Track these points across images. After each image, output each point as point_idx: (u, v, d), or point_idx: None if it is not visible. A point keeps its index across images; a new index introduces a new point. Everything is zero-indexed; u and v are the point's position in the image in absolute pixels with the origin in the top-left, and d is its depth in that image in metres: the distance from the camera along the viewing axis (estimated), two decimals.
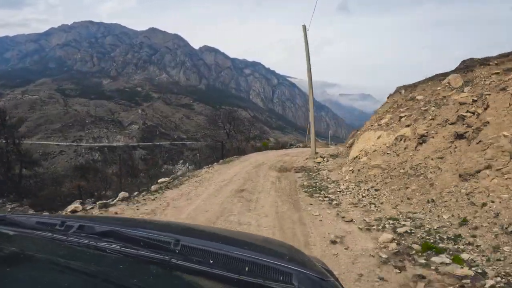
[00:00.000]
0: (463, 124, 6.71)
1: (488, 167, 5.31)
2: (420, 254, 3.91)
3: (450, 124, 7.07)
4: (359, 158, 9.07)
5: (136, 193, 8.06)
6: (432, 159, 6.75)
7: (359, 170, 8.48)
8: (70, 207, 6.68)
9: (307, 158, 12.67)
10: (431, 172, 6.43)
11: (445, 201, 5.43)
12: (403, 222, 5.08)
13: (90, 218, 1.75)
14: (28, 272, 0.75)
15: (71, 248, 0.95)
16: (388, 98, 11.94)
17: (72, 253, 0.92)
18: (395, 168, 7.40)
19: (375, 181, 7.54)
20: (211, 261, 0.87)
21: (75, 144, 76.75)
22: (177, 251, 0.92)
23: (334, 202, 6.63)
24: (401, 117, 8.96)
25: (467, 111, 6.83)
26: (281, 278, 0.81)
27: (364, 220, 5.40)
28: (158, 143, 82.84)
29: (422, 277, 3.33)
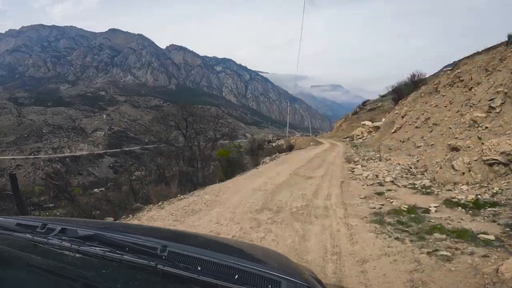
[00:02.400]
0: None
1: None
2: None
3: None
4: None
5: None
6: None
7: None
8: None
9: None
10: None
11: None
12: None
13: (73, 221, 1.43)
14: (5, 275, 0.75)
15: (52, 251, 0.93)
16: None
17: (52, 256, 0.91)
18: None
19: None
20: (199, 268, 0.85)
21: (32, 157, 69.84)
22: (164, 257, 0.90)
23: None
24: None
25: None
26: (270, 286, 0.81)
27: None
28: (128, 148, 77.80)
29: None
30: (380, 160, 9.81)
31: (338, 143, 21.48)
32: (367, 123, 23.79)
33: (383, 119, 21.27)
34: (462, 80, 9.22)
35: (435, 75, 14.54)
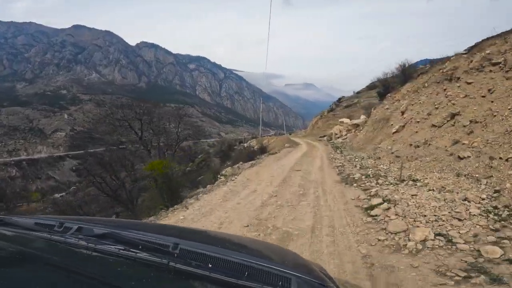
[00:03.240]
0: None
1: None
2: None
3: None
4: None
5: None
6: None
7: None
8: None
9: None
10: None
11: None
12: None
13: (89, 220, 1.51)
14: (25, 273, 0.76)
15: (69, 250, 0.96)
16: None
17: (69, 255, 0.93)
18: None
19: None
20: (210, 265, 0.86)
21: None
22: (175, 254, 0.92)
23: None
24: None
25: None
26: (280, 283, 0.81)
27: None
28: (92, 150, 74.24)
29: None
30: (403, 181, 6.20)
31: (315, 143, 19.34)
32: (345, 120, 22.61)
33: (362, 116, 19.99)
34: (497, 63, 7.42)
35: (440, 62, 12.07)
